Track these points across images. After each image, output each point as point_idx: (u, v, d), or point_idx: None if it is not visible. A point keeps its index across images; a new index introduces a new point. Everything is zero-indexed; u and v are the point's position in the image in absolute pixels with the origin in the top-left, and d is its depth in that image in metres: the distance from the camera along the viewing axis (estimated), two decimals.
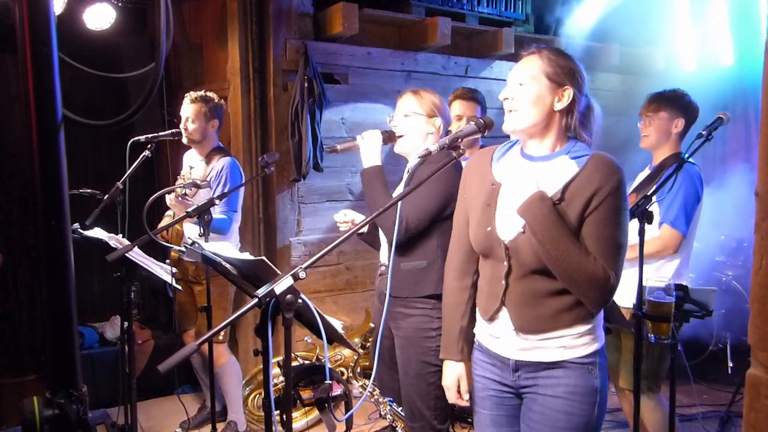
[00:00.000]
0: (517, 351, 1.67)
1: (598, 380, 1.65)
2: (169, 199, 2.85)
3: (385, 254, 2.35)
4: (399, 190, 2.32)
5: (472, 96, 2.95)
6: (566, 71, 1.62)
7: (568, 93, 1.62)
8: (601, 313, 1.71)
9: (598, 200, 1.56)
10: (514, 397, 1.74)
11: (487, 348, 1.76)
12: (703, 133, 2.26)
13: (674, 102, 2.65)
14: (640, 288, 2.14)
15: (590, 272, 1.54)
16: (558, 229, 1.53)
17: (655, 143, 2.67)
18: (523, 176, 1.62)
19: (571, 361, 1.63)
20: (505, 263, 1.66)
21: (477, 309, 1.82)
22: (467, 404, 1.89)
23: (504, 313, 1.68)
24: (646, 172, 2.77)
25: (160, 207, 3.21)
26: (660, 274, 2.56)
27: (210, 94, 3.23)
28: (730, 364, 4.03)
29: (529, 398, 1.69)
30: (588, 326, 1.64)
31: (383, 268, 2.34)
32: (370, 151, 2.24)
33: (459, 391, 1.89)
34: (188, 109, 3.18)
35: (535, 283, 1.62)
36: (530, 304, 1.63)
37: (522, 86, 1.63)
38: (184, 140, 3.20)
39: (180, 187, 2.82)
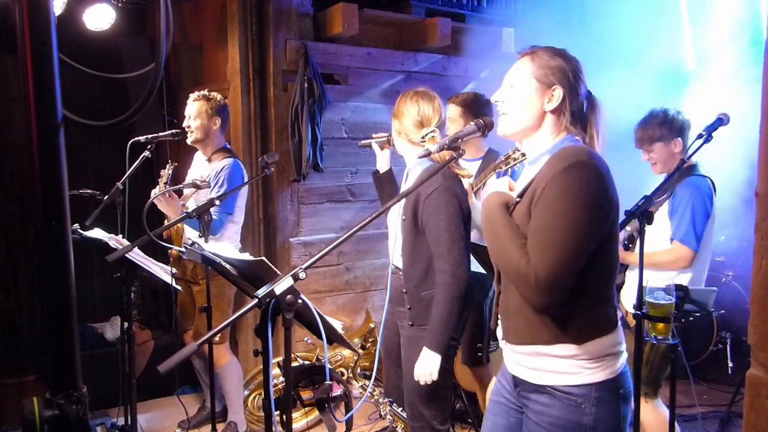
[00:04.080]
0: (513, 364, 1.65)
1: (591, 418, 1.48)
2: (157, 199, 2.85)
3: (393, 255, 2.35)
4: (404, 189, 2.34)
5: (460, 100, 2.91)
6: (555, 71, 1.58)
7: (558, 93, 1.57)
8: (612, 339, 1.53)
9: (540, 191, 1.47)
10: (517, 412, 1.69)
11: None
12: (703, 133, 2.26)
13: (661, 128, 2.63)
14: (640, 288, 2.14)
15: (513, 267, 1.45)
16: (496, 226, 1.52)
17: (666, 168, 2.67)
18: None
19: (557, 389, 1.51)
20: (496, 269, 1.67)
21: None
22: None
23: (500, 321, 1.68)
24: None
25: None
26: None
27: (214, 93, 3.24)
28: (730, 364, 4.03)
29: (524, 419, 1.64)
30: (577, 350, 1.49)
31: (393, 267, 2.35)
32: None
33: None
34: (190, 107, 3.19)
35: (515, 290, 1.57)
36: (515, 312, 1.59)
37: (512, 88, 1.62)
38: (188, 140, 3.20)
39: (173, 189, 2.82)
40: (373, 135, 2.61)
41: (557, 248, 1.40)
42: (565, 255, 1.40)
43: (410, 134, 2.26)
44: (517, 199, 1.57)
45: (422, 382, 2.14)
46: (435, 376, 2.11)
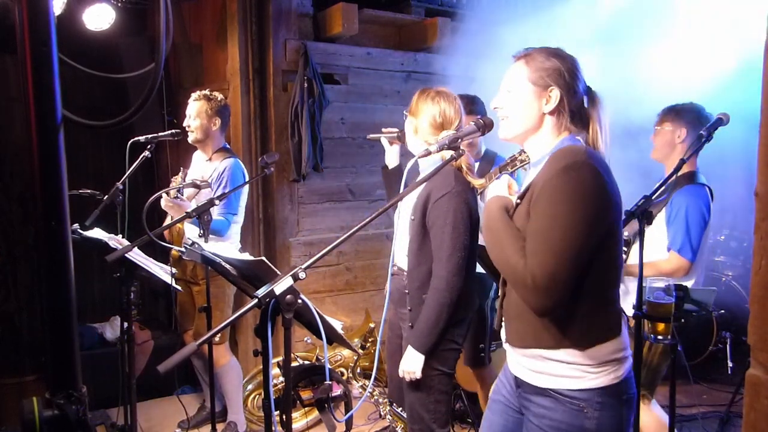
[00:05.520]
0: (516, 365, 1.64)
1: (593, 422, 1.46)
2: (163, 201, 2.86)
3: (397, 255, 2.35)
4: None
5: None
6: (550, 72, 1.56)
7: (555, 94, 1.56)
8: (617, 344, 1.51)
9: (537, 192, 1.46)
10: (515, 412, 1.69)
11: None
12: (703, 133, 2.26)
13: (679, 114, 2.63)
14: (640, 288, 2.14)
15: (511, 270, 1.45)
16: (496, 229, 1.51)
17: (661, 155, 2.66)
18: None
19: (560, 393, 1.50)
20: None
21: None
22: None
23: (504, 323, 1.68)
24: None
25: (160, 208, 3.21)
26: None
27: (215, 93, 3.24)
28: (730, 365, 4.02)
29: (525, 420, 1.64)
30: (580, 355, 1.48)
31: (395, 268, 2.35)
32: None
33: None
34: (191, 106, 3.20)
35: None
36: (517, 315, 1.59)
37: (510, 93, 1.62)
38: (189, 139, 3.21)
39: (173, 189, 2.82)
40: (383, 129, 2.61)
41: (553, 250, 1.39)
42: (561, 257, 1.39)
43: (426, 133, 2.24)
44: (518, 201, 1.57)
45: (407, 379, 2.17)
46: (417, 375, 2.13)
